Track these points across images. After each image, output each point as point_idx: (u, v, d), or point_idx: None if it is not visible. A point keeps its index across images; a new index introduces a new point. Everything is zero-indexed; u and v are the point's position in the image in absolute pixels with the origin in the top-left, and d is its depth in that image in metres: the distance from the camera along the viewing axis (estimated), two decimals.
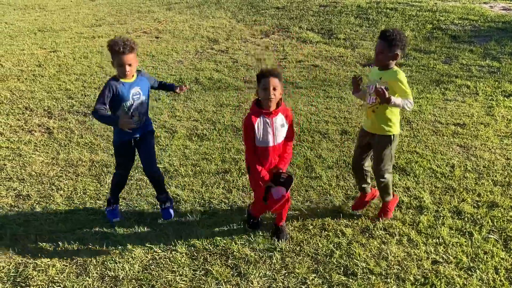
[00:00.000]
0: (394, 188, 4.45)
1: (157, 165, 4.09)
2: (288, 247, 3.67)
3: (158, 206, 4.16)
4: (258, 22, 11.54)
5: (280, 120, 3.51)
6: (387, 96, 3.36)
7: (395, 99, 3.43)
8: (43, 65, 8.45)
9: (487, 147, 5.26)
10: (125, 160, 3.91)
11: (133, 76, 3.67)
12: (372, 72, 3.81)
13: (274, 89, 3.35)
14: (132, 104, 3.64)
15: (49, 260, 3.55)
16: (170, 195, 4.28)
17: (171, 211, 4.05)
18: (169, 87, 4.09)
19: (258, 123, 3.44)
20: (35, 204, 4.29)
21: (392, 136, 3.72)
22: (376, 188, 4.10)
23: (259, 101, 3.48)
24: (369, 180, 4.06)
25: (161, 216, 4.05)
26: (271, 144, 3.51)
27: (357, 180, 4.10)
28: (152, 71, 8.13)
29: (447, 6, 11.28)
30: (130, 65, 3.56)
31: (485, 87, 6.99)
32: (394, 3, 11.78)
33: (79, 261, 3.54)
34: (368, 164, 4.00)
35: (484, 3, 12.19)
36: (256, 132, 3.44)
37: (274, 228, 3.83)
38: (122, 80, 3.62)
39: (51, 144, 5.47)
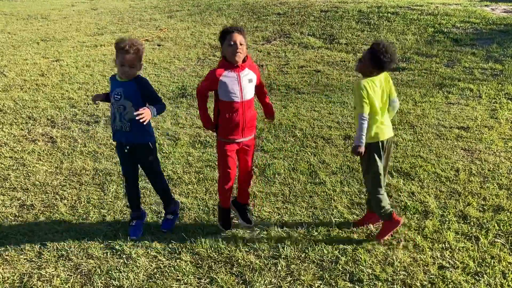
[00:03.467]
0: (399, 194, 4.43)
1: (163, 180, 4.07)
2: (293, 254, 3.65)
3: (162, 214, 4.16)
4: (260, 28, 11.57)
5: (247, 74, 3.50)
6: (358, 152, 3.49)
7: (357, 140, 3.47)
8: (46, 74, 8.49)
9: (492, 150, 5.24)
10: (122, 163, 3.89)
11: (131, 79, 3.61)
12: None
13: (241, 43, 3.36)
14: (113, 103, 3.63)
15: (53, 270, 3.54)
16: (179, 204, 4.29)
17: (171, 223, 4.03)
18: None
19: (225, 76, 3.43)
20: (39, 214, 4.29)
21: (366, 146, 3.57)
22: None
23: (226, 58, 3.48)
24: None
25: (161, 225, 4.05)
26: (238, 99, 3.48)
27: None
28: (154, 78, 8.15)
29: (449, 9, 11.28)
30: (132, 67, 3.51)
31: (488, 90, 6.97)
32: (395, 8, 11.80)
33: (83, 271, 3.53)
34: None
35: (485, 5, 12.19)
36: (221, 86, 3.44)
37: (239, 207, 3.91)
38: (117, 77, 3.64)
39: (54, 153, 5.47)
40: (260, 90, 3.75)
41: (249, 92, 3.54)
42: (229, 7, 14.11)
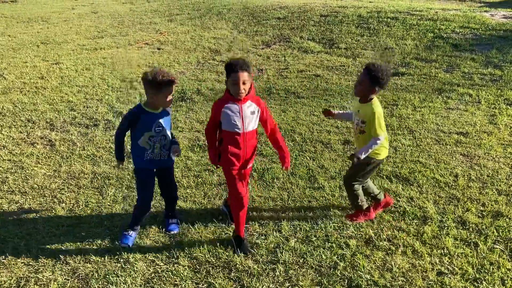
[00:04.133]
0: (397, 199, 4.42)
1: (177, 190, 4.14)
2: (292, 259, 3.64)
3: (161, 219, 4.15)
4: (260, 32, 11.58)
5: (250, 106, 3.50)
6: (359, 160, 3.71)
7: (363, 154, 3.70)
8: (45, 77, 8.48)
9: (491, 156, 5.23)
10: (146, 189, 3.86)
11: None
12: (354, 101, 3.96)
13: (244, 83, 3.36)
14: (153, 136, 3.71)
15: (51, 274, 3.52)
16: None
17: (177, 226, 4.08)
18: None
19: (227, 108, 3.44)
20: (37, 217, 4.27)
21: (373, 160, 3.85)
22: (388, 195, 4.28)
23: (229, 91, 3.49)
24: (375, 190, 4.16)
25: (165, 228, 4.06)
26: (240, 130, 3.49)
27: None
28: None
29: (448, 15, 11.30)
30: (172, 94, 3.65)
31: (488, 96, 6.97)
32: (395, 13, 11.82)
33: (81, 275, 3.51)
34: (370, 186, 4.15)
35: (484, 11, 12.22)
36: (224, 117, 3.46)
37: (237, 240, 3.78)
38: (148, 109, 3.68)
39: (53, 156, 5.46)
40: (268, 128, 3.70)
41: (251, 124, 3.54)
42: (229, 11, 14.13)
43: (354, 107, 3.93)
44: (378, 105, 3.77)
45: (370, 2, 16.02)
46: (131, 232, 3.94)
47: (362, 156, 3.70)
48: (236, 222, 3.76)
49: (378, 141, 3.71)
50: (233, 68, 3.35)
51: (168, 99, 3.62)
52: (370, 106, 3.73)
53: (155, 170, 3.89)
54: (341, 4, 13.90)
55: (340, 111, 4.27)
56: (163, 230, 4.03)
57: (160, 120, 3.68)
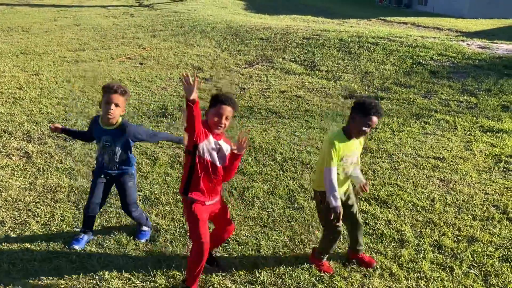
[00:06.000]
0: (375, 221, 4.46)
1: (135, 206, 4.06)
2: (270, 280, 3.62)
3: (138, 239, 4.11)
4: (243, 52, 11.68)
5: (224, 145, 3.38)
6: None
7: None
8: (24, 88, 8.36)
9: (466, 181, 5.34)
10: (93, 189, 3.94)
11: (116, 122, 3.81)
12: (348, 145, 3.53)
13: (227, 118, 3.29)
14: (102, 147, 3.86)
15: None
16: (151, 223, 4.24)
17: (148, 234, 4.14)
18: (175, 140, 4.50)
19: (208, 140, 3.27)
20: (9, 231, 4.16)
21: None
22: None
23: (205, 121, 3.33)
24: None
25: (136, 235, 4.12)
26: (218, 164, 3.35)
27: None
28: (135, 97, 8.11)
29: (427, 42, 11.62)
30: (116, 105, 3.69)
31: (464, 122, 7.15)
32: (375, 38, 12.09)
33: None
34: None
35: (461, 40, 12.61)
36: (203, 148, 3.25)
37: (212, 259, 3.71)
38: (100, 122, 3.82)
39: (29, 168, 5.35)
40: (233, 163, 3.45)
41: (222, 161, 3.37)
42: (213, 29, 14.24)
43: (355, 147, 3.60)
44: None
45: (351, 27, 16.36)
46: (82, 235, 3.97)
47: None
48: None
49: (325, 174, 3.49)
50: (221, 100, 3.28)
51: (107, 109, 3.66)
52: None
53: (107, 178, 3.95)
54: (323, 28, 14.15)
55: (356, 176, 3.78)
56: (140, 247, 3.97)
57: (107, 137, 3.78)
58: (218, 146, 3.33)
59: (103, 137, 3.80)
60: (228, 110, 3.29)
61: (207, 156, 3.28)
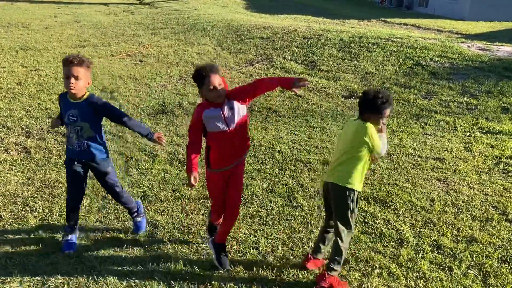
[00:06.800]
0: (375, 221, 4.45)
1: (119, 191, 3.94)
2: (269, 277, 3.60)
3: (136, 232, 4.08)
4: (243, 50, 11.66)
5: (229, 106, 3.41)
6: None
7: None
8: (23, 83, 8.33)
9: (466, 182, 5.33)
10: (70, 181, 3.77)
11: (82, 96, 3.58)
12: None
13: (219, 84, 3.29)
14: (68, 124, 3.60)
15: (18, 285, 3.40)
16: (149, 219, 4.23)
17: (143, 224, 4.14)
18: (142, 132, 3.76)
19: (207, 115, 3.35)
20: (7, 225, 4.14)
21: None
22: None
23: (207, 99, 3.39)
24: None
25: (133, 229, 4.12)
26: (225, 129, 3.40)
27: None
28: (134, 93, 8.09)
29: (427, 43, 11.61)
30: (76, 77, 3.46)
31: (464, 123, 7.14)
32: (376, 38, 12.08)
33: (50, 287, 3.39)
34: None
35: (462, 42, 12.60)
36: (206, 124, 3.38)
37: (217, 247, 3.68)
38: (68, 97, 3.59)
39: (27, 163, 5.33)
40: (253, 89, 3.52)
41: (234, 119, 3.43)
42: (213, 28, 14.22)
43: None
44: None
45: (352, 27, 16.36)
46: (70, 236, 3.86)
47: None
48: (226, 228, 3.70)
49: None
50: (203, 74, 3.27)
51: (67, 84, 3.44)
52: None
53: (81, 163, 3.70)
54: (324, 28, 14.14)
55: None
56: (138, 244, 3.96)
57: (73, 111, 3.55)
58: (219, 111, 3.37)
59: (68, 112, 3.56)
60: (215, 78, 3.27)
61: (212, 128, 3.38)
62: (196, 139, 3.47)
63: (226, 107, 3.40)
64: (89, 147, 3.64)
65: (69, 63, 3.44)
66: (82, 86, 3.51)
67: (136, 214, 4.11)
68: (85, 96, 3.59)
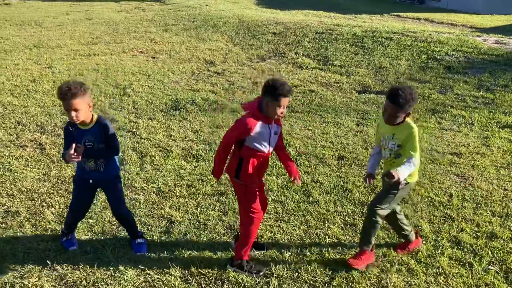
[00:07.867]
0: None
1: (126, 207, 3.86)
2: (286, 273, 3.57)
3: (151, 227, 4.07)
4: (255, 46, 11.62)
5: (274, 127, 3.46)
6: (398, 180, 3.24)
7: (403, 175, 3.26)
8: (37, 80, 8.38)
9: (484, 177, 5.24)
10: (77, 199, 3.70)
11: (92, 119, 3.48)
12: (383, 125, 3.62)
13: (285, 107, 3.37)
14: (85, 151, 3.42)
15: (37, 280, 3.40)
16: (164, 215, 4.21)
17: (145, 245, 3.85)
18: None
19: (257, 127, 3.33)
20: (24, 221, 4.15)
21: (406, 183, 3.57)
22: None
23: (260, 105, 3.36)
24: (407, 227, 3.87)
25: (133, 249, 3.83)
26: (266, 151, 3.43)
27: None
28: (147, 90, 8.09)
29: (442, 37, 11.46)
30: (76, 110, 3.33)
31: (480, 118, 7.03)
32: (389, 33, 11.95)
33: (68, 282, 3.40)
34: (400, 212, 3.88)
35: (477, 36, 12.42)
36: (252, 137, 3.34)
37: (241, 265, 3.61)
38: (78, 125, 3.46)
39: (43, 160, 5.35)
40: (280, 143, 3.66)
41: (273, 144, 3.49)
42: (225, 24, 14.18)
43: (386, 132, 3.59)
44: (414, 123, 3.54)
45: (364, 22, 16.22)
46: (70, 235, 3.83)
47: (402, 179, 3.24)
48: (247, 243, 3.56)
49: (417, 161, 3.40)
50: (285, 94, 3.26)
51: (70, 117, 3.32)
52: (407, 126, 3.51)
53: (90, 181, 3.61)
54: (336, 23, 14.03)
55: (371, 163, 3.79)
56: (155, 239, 3.94)
57: (88, 136, 3.45)
58: (268, 130, 3.39)
59: (83, 139, 3.45)
60: (288, 100, 3.34)
61: (254, 142, 3.37)
62: (231, 144, 3.44)
63: (273, 129, 3.43)
64: (104, 166, 3.57)
65: (63, 99, 3.31)
66: (85, 113, 3.40)
67: (138, 236, 3.88)
68: (94, 120, 3.49)
